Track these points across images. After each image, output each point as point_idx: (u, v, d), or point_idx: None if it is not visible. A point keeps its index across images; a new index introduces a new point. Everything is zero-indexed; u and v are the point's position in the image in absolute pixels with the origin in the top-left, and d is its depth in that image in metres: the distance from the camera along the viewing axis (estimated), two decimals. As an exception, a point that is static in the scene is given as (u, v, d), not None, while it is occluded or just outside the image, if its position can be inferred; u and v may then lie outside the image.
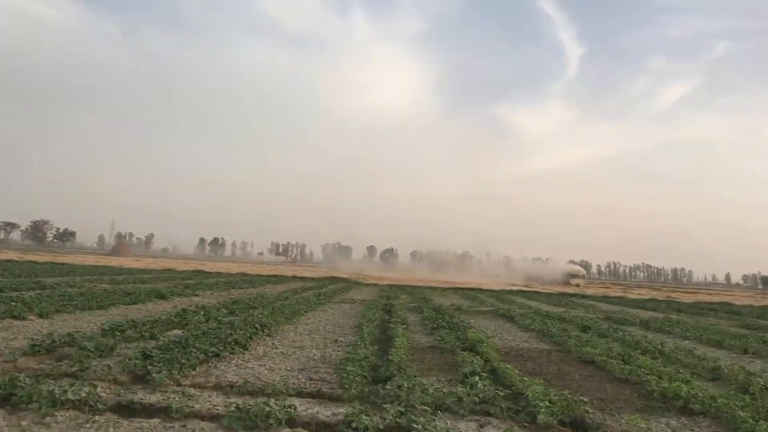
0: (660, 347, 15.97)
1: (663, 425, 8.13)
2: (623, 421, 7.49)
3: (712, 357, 14.71)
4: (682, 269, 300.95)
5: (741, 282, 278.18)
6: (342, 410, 7.59)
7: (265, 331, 15.29)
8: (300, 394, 8.66)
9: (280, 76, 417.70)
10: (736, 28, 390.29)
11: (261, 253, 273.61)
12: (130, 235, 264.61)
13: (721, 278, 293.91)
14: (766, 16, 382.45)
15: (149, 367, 9.25)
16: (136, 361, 9.66)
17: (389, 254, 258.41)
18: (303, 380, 9.77)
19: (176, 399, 7.53)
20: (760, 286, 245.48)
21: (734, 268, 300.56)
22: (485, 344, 13.90)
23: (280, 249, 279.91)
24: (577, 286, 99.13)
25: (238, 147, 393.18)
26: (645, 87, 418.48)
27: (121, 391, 8.15)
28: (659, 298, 61.12)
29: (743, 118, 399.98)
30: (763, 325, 28.09)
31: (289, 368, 10.85)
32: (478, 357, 12.16)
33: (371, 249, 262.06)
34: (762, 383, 10.78)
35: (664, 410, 9.10)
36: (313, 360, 11.88)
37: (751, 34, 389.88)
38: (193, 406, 7.49)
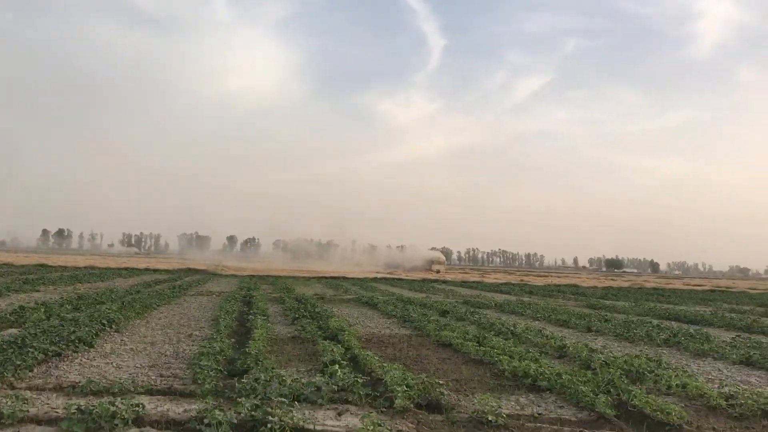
0: (512, 329, 16.91)
1: (513, 402, 8.61)
2: (476, 401, 7.85)
3: (559, 336, 15.80)
4: (535, 254, 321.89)
5: (587, 265, 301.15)
6: (194, 406, 7.35)
7: (114, 327, 14.51)
8: (150, 392, 8.28)
9: (133, 57, 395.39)
10: (585, 26, 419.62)
11: (111, 245, 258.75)
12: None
13: (569, 262, 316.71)
14: (611, 16, 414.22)
15: (-24, 371, 8.45)
16: (-39, 365, 8.80)
17: (250, 244, 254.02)
18: (153, 377, 9.36)
19: (8, 403, 6.94)
20: (603, 269, 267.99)
21: (581, 252, 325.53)
22: (347, 332, 14.04)
23: (132, 240, 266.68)
24: (437, 272, 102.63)
25: (86, 134, 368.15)
26: (502, 80, 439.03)
27: (-58, 398, 7.39)
28: (513, 282, 64.87)
29: (591, 112, 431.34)
30: (606, 305, 30.63)
31: (138, 365, 10.36)
32: (340, 345, 12.26)
33: (231, 239, 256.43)
34: (602, 359, 11.70)
35: (514, 388, 9.64)
36: (165, 356, 11.44)
37: (599, 32, 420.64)
38: (27, 410, 6.94)
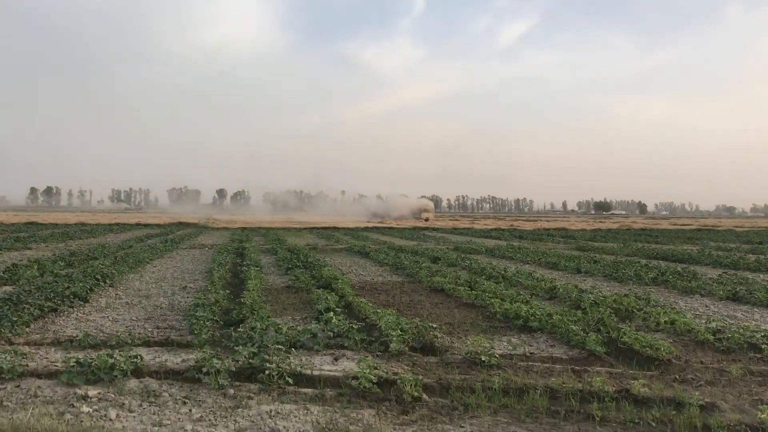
0: (503, 272, 17.10)
1: (505, 343, 8.76)
2: (469, 342, 7.97)
3: (549, 278, 16.01)
4: (524, 199, 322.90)
5: (576, 209, 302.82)
6: (192, 356, 7.43)
7: (108, 281, 14.54)
8: (147, 344, 8.36)
9: (119, 8, 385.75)
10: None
11: (101, 202, 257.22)
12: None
13: (558, 206, 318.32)
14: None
15: (-27, 328, 8.48)
16: (-43, 323, 8.82)
17: (241, 197, 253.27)
18: (150, 329, 9.44)
19: (7, 359, 6.98)
20: (592, 212, 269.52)
21: (570, 196, 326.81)
22: (340, 281, 14.14)
23: (122, 196, 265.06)
24: (426, 220, 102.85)
25: (72, 90, 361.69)
26: (488, 25, 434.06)
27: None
28: (503, 227, 65.28)
29: (578, 55, 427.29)
30: (594, 247, 30.94)
31: (134, 318, 10.44)
32: (334, 294, 12.37)
33: (221, 192, 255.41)
34: (592, 299, 11.89)
35: (506, 329, 9.79)
36: (161, 308, 11.51)
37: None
38: (27, 365, 6.99)
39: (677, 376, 7.05)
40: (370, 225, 69.30)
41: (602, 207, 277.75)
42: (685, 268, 19.14)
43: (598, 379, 6.35)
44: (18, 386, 6.32)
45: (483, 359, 7.44)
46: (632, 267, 19.30)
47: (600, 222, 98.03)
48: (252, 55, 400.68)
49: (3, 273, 15.74)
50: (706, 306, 12.57)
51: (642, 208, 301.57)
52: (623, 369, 7.36)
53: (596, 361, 7.74)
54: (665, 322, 9.85)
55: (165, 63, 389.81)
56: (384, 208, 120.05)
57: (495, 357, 7.56)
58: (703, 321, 10.50)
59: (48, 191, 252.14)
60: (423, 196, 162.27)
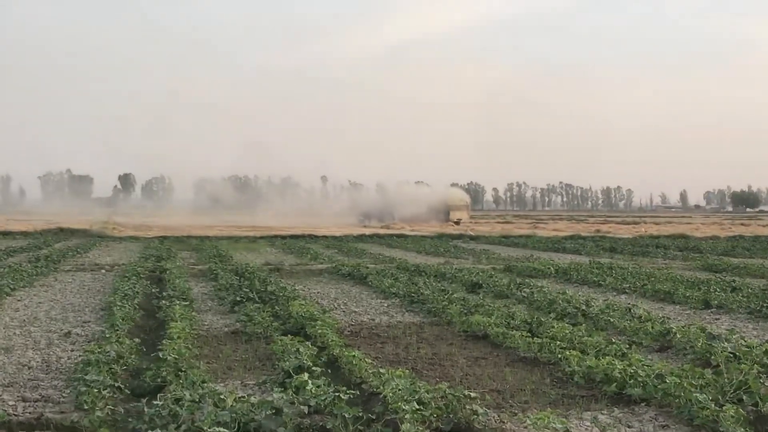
0: (584, 308, 17.04)
1: (588, 422, 8.73)
2: (529, 422, 7.93)
3: (659, 317, 15.95)
4: (618, 189, 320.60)
5: (702, 203, 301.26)
6: (81, 447, 7.43)
7: (-56, 325, 14.55)
8: (7, 427, 8.36)
9: None
10: None
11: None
12: None
13: (673, 199, 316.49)
14: None
15: None
16: None
17: (158, 186, 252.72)
18: (12, 402, 9.42)
19: None
20: (729, 209, 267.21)
21: (692, 184, 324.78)
22: (320, 322, 14.11)
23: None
24: (457, 222, 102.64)
25: None
26: None
27: None
28: (584, 234, 65.17)
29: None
30: (732, 265, 30.83)
31: (-14, 384, 10.44)
32: (309, 343, 12.32)
33: (126, 179, 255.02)
34: (729, 350, 11.81)
35: (589, 400, 9.77)
36: (30, 368, 11.52)
37: None
38: None
39: None
40: (367, 232, 69.34)
41: (745, 201, 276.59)
42: None
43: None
44: None
45: (552, 450, 7.42)
46: (795, 298, 19.22)
47: (742, 225, 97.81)
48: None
49: None
50: None
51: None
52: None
53: (737, 452, 7.71)
54: None
55: None
56: (385, 203, 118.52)
57: (572, 446, 7.54)
58: None
59: None
60: (454, 185, 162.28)
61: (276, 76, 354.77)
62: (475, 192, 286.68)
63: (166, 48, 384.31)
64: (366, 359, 11.13)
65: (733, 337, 13.50)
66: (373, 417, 8.43)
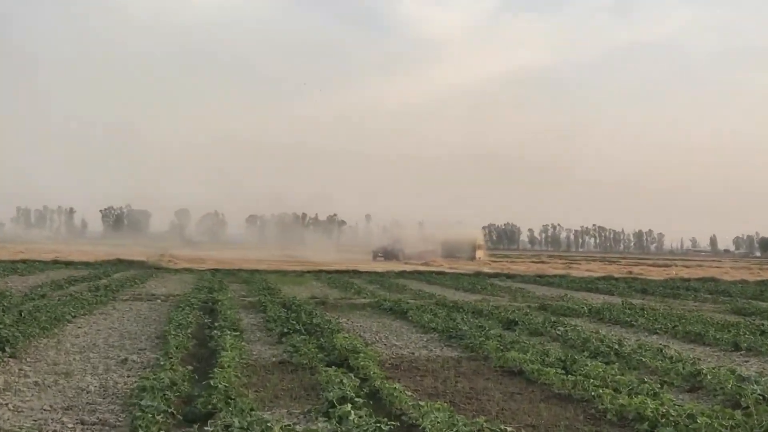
0: (617, 347, 16.88)
1: (620, 460, 8.61)
2: (564, 458, 7.84)
3: (690, 358, 15.76)
4: (649, 232, 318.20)
5: (732, 248, 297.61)
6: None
7: (7, 350, 14.69)
8: (67, 448, 8.39)
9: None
10: None
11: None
12: None
13: (704, 243, 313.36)
14: None
15: None
16: None
17: (213, 221, 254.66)
18: (71, 425, 9.48)
19: None
20: (757, 254, 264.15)
21: (722, 229, 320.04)
22: (363, 354, 14.10)
23: (32, 218, 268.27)
24: (472, 259, 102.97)
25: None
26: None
27: None
28: (617, 275, 64.59)
29: (728, 10, 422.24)
30: (762, 309, 30.37)
31: (47, 407, 10.49)
32: (352, 375, 12.31)
33: (182, 215, 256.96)
34: (759, 392, 11.63)
35: (622, 438, 9.63)
36: (88, 392, 11.58)
37: None
38: None
39: None
40: (408, 269, 69.27)
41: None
42: None
43: None
44: None
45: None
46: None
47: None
48: (225, 12, 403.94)
49: None
50: None
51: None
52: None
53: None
54: None
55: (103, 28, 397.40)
56: (422, 239, 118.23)
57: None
58: None
59: None
60: (491, 225, 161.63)
61: (320, 124, 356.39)
62: (511, 233, 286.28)
63: (232, 88, 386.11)
64: (406, 391, 11.11)
65: (763, 379, 13.29)
66: (413, 448, 8.38)
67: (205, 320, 20.92)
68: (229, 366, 12.45)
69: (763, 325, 23.48)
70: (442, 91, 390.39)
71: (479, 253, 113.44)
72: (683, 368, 14.13)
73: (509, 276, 60.55)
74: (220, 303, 25.14)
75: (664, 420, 9.77)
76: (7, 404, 10.62)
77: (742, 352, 18.34)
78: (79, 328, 19.60)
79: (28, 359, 14.46)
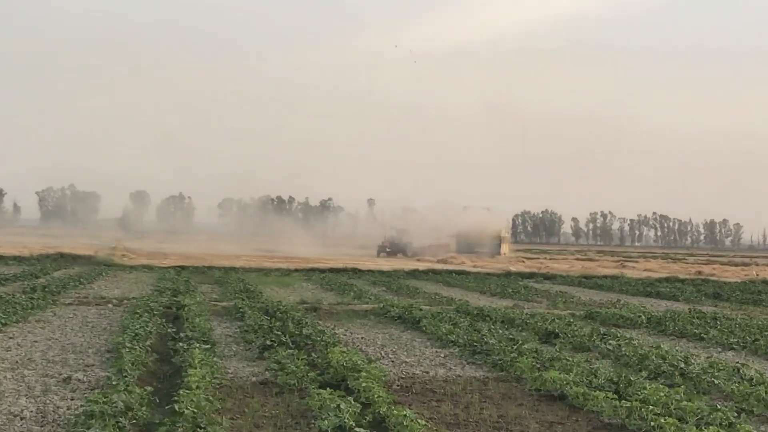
0: (683, 366, 16.87)
1: (686, 507, 8.60)
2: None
3: (772, 380, 15.73)
4: (724, 222, 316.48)
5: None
6: None
7: None
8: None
9: None
10: None
11: None
12: None
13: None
14: None
15: None
16: None
17: (177, 206, 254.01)
18: (1, 461, 9.52)
19: None
20: None
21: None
22: (364, 373, 14.09)
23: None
24: (495, 255, 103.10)
25: None
26: None
27: None
28: (682, 276, 64.46)
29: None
30: None
31: (-29, 439, 10.54)
32: (351, 398, 12.30)
33: (139, 197, 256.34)
34: None
35: (688, 479, 9.63)
36: (22, 418, 11.62)
37: None
38: None
39: None
40: (421, 267, 69.18)
41: None
42: None
43: None
44: None
45: None
46: None
47: None
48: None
49: None
50: None
51: None
52: None
53: None
54: None
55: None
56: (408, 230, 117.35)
57: None
58: None
59: None
60: (526, 213, 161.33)
61: (309, 82, 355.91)
62: (550, 222, 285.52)
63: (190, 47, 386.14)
64: (419, 420, 11.08)
65: None
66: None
67: (168, 330, 20.93)
68: (197, 387, 12.44)
69: None
70: (456, 47, 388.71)
71: (504, 248, 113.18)
72: (765, 393, 14.12)
73: (548, 277, 60.63)
74: (186, 308, 25.15)
75: (741, 457, 9.78)
76: None
77: (839, 374, 18.32)
78: (10, 338, 19.62)
79: (-53, 377, 14.51)
